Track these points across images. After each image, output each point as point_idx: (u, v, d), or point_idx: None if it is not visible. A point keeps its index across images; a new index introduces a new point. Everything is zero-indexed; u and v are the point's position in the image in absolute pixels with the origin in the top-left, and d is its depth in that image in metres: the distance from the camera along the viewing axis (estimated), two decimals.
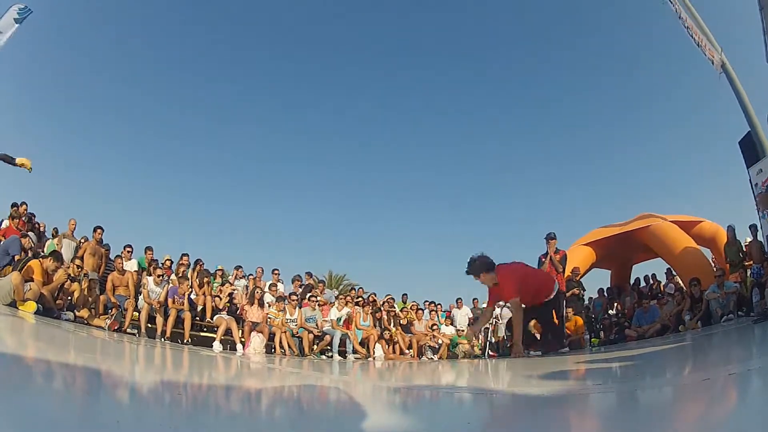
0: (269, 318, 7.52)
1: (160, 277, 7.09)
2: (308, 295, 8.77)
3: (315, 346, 7.68)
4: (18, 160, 4.85)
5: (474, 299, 11.28)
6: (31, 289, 5.29)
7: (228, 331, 7.09)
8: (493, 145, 36.37)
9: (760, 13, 6.50)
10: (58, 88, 29.38)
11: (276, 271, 9.27)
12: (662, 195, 28.59)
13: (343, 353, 7.82)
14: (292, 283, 9.27)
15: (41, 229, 8.24)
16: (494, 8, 33.62)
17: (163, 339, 6.61)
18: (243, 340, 7.09)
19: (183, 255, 8.33)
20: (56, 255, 6.12)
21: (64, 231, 8.22)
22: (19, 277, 5.15)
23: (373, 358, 7.86)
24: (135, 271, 7.67)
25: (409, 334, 8.85)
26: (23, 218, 7.65)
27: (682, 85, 30.16)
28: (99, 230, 7.71)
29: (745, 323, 5.73)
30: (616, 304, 9.86)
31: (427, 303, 10.37)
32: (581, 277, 9.81)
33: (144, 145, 34.80)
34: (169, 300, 6.89)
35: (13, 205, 7.45)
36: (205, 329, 7.66)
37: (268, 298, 8.10)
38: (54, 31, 26.00)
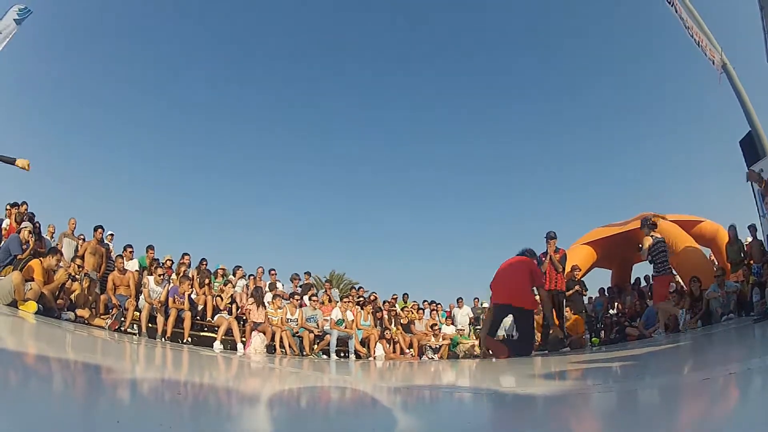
0: (269, 317, 7.53)
1: (161, 277, 7.10)
2: (309, 294, 8.78)
3: (315, 346, 7.69)
4: (18, 162, 4.87)
5: (475, 299, 11.30)
6: (31, 288, 5.30)
7: (229, 331, 7.10)
8: (494, 145, 36.37)
9: (761, 12, 6.49)
10: (59, 88, 29.39)
11: (273, 272, 9.27)
12: (662, 195, 28.59)
13: (344, 353, 7.83)
14: (291, 282, 9.28)
15: (51, 232, 8.23)
16: (495, 7, 33.60)
17: (163, 339, 6.62)
18: (244, 339, 7.09)
19: (184, 254, 8.34)
20: (54, 250, 6.13)
21: (63, 230, 8.22)
22: (19, 277, 5.15)
23: (374, 358, 7.87)
24: (136, 270, 7.67)
25: (410, 334, 8.85)
26: (24, 218, 7.65)
27: (682, 84, 30.14)
28: (99, 230, 7.72)
29: (745, 323, 5.73)
30: (616, 304, 9.86)
31: (427, 303, 10.37)
32: (582, 276, 9.81)
33: (144, 144, 34.80)
34: (170, 300, 6.90)
35: (13, 204, 7.45)
36: (205, 329, 7.66)
37: (268, 298, 8.11)
38: (54, 31, 26.00)
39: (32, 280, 5.41)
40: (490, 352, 6.33)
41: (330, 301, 9.08)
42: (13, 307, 5.03)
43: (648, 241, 6.68)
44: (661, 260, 6.69)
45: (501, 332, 9.32)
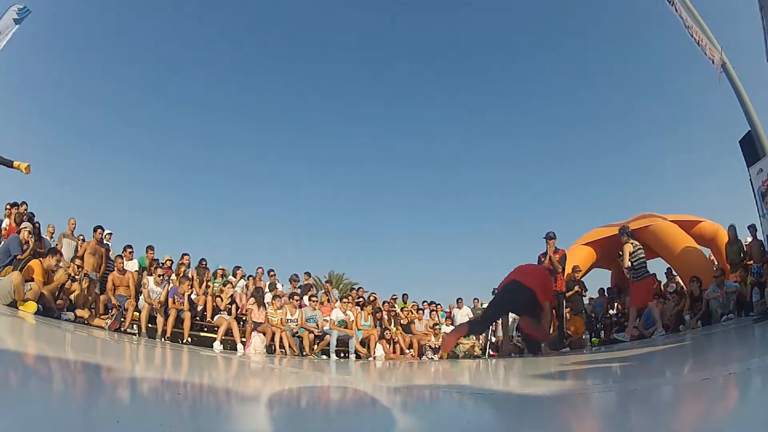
0: (269, 318, 7.53)
1: (161, 277, 7.09)
2: (309, 295, 8.77)
3: (315, 346, 7.69)
4: (15, 164, 4.87)
5: (474, 299, 11.29)
6: (31, 289, 5.29)
7: (229, 331, 7.10)
8: (494, 145, 36.36)
9: (760, 12, 6.49)
10: (59, 88, 29.39)
11: (272, 272, 9.26)
12: (662, 195, 28.60)
13: (344, 353, 7.83)
14: (290, 283, 9.28)
15: (51, 232, 8.23)
16: (495, 7, 33.61)
17: (163, 339, 6.62)
18: (243, 340, 7.09)
19: (183, 255, 8.33)
20: (54, 250, 6.12)
21: (63, 231, 8.22)
22: (19, 277, 5.14)
23: (374, 358, 7.87)
24: (135, 271, 7.67)
25: (410, 334, 8.85)
26: (23, 218, 7.64)
27: (682, 84, 30.15)
28: (99, 230, 7.72)
29: (744, 323, 5.73)
30: (616, 304, 9.86)
31: (427, 303, 10.37)
32: (582, 276, 9.81)
33: (144, 144, 34.79)
34: (170, 300, 6.90)
35: (13, 204, 7.44)
36: (205, 329, 7.66)
37: (268, 298, 8.11)
38: (54, 31, 26.01)
39: (32, 280, 5.40)
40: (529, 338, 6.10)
41: (329, 301, 9.06)
42: (13, 308, 5.03)
43: (629, 248, 6.97)
44: (640, 265, 7.01)
45: (498, 333, 9.31)
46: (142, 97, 32.73)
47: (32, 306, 5.15)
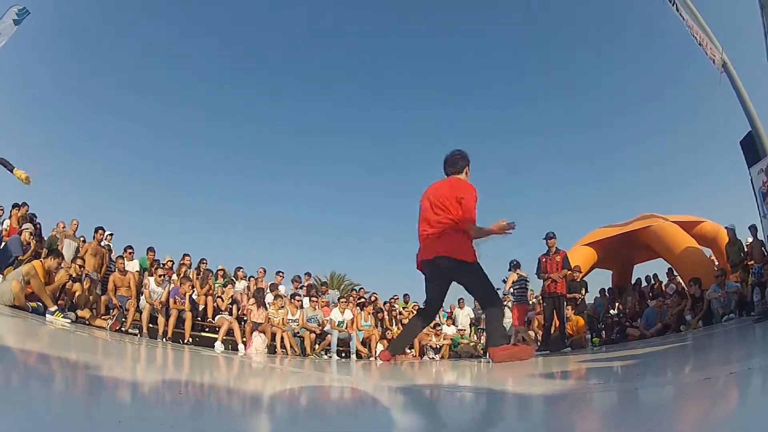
0: (270, 318, 7.54)
1: (162, 278, 7.10)
2: (309, 295, 8.76)
3: (317, 346, 7.70)
4: (16, 171, 4.87)
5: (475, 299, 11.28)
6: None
7: (230, 332, 7.11)
8: (494, 145, 36.39)
9: (761, 12, 6.49)
10: (60, 88, 29.45)
11: (280, 273, 9.26)
12: (663, 195, 28.61)
13: (346, 353, 7.83)
14: (292, 283, 9.28)
15: (54, 235, 8.26)
16: (496, 7, 33.62)
17: (164, 339, 6.63)
18: (245, 340, 7.10)
19: (184, 255, 8.35)
20: (56, 252, 6.14)
21: (65, 231, 8.23)
22: (18, 285, 5.13)
23: (375, 358, 7.86)
24: (136, 271, 7.68)
25: None
26: (25, 219, 7.66)
27: (682, 84, 30.15)
28: (100, 231, 7.74)
29: (745, 322, 5.73)
30: (617, 304, 9.85)
31: None
32: (583, 277, 9.81)
33: (144, 145, 34.85)
34: (171, 300, 6.91)
35: (14, 205, 7.46)
36: (206, 329, 7.67)
37: (270, 298, 8.11)
38: (54, 32, 26.07)
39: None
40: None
41: (325, 302, 9.02)
42: (41, 315, 5.08)
43: (513, 277, 8.37)
44: (520, 293, 8.28)
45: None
46: (143, 97, 32.80)
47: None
